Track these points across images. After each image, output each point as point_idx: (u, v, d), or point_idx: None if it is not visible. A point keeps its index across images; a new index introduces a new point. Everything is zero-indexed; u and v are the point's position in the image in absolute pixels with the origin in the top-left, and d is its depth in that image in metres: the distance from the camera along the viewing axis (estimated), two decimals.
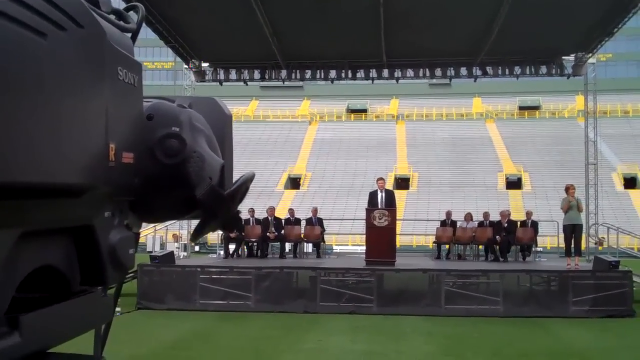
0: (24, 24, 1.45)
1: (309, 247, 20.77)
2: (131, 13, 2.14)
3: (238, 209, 2.63)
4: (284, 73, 20.81)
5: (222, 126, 2.57)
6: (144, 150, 2.07)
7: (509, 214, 18.51)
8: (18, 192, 1.47)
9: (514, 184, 53.48)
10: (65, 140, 1.61)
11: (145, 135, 2.10)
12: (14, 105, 1.41)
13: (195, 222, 2.51)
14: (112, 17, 1.99)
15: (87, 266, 1.88)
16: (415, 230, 33.88)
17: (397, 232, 16.35)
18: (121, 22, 2.03)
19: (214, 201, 2.27)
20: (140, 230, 2.40)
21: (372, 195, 15.68)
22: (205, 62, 21.02)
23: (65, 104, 1.61)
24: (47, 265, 1.74)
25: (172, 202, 2.29)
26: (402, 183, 54.26)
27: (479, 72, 20.38)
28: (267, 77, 21.11)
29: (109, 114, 1.79)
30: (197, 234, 2.55)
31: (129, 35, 2.05)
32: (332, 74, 20.80)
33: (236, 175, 2.55)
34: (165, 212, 2.45)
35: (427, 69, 20.46)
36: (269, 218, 18.22)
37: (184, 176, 2.19)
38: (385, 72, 20.77)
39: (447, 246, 18.80)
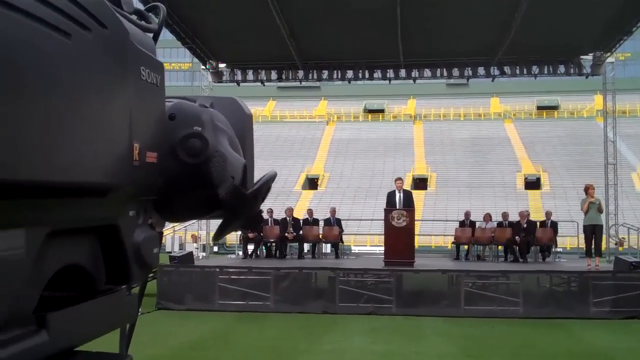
0: (49, 25, 1.46)
1: (327, 248, 20.76)
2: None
3: (260, 208, 2.63)
4: (301, 73, 20.84)
5: (242, 126, 2.58)
6: (166, 149, 2.07)
7: (528, 214, 18.37)
8: (45, 191, 1.48)
9: (532, 184, 53.08)
10: (90, 140, 1.62)
11: (168, 135, 2.10)
12: (40, 105, 1.42)
13: (214, 222, 2.51)
14: (134, 17, 2.00)
15: (112, 265, 1.89)
16: (433, 231, 33.74)
17: (415, 233, 16.29)
18: (143, 22, 2.04)
19: (237, 200, 2.27)
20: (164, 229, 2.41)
21: (390, 196, 15.64)
22: (222, 62, 21.08)
23: (90, 103, 1.62)
24: (74, 264, 1.75)
25: (194, 201, 2.29)
26: (420, 183, 54.02)
27: (496, 72, 20.31)
28: (284, 77, 21.15)
29: (133, 113, 1.80)
30: (219, 234, 2.56)
31: (151, 35, 2.06)
32: (349, 74, 20.80)
33: (256, 176, 2.55)
34: (188, 211, 2.46)
35: (444, 69, 20.42)
36: (287, 218, 18.24)
37: (207, 176, 2.19)
38: (403, 72, 20.74)
39: (466, 247, 18.73)
